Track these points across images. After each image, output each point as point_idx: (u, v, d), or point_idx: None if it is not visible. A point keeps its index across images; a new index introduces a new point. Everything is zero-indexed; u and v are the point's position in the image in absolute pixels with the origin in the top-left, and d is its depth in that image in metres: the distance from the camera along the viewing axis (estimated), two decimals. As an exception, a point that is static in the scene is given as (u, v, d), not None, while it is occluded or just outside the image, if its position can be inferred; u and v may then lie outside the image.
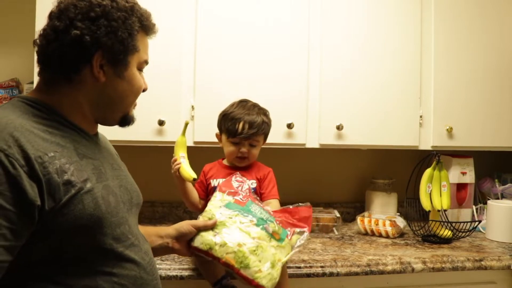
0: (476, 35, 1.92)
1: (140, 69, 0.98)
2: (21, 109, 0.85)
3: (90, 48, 0.87)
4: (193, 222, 1.22)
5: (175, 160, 1.43)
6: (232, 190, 1.32)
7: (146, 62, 1.00)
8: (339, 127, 1.80)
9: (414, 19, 1.87)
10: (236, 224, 1.21)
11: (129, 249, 0.90)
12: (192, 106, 1.73)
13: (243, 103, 1.53)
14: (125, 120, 0.99)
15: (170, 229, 1.20)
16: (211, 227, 1.20)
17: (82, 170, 0.85)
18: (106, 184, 0.90)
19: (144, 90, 1.01)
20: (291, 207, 1.34)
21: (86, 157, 0.89)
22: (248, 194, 1.33)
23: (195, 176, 1.39)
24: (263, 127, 1.50)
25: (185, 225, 1.20)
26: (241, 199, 1.29)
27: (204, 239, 1.18)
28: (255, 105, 1.54)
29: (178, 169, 1.41)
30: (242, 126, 1.46)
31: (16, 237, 0.74)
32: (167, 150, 1.56)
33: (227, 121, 1.50)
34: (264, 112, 1.54)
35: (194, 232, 1.19)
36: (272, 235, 1.22)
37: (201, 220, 1.23)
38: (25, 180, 0.74)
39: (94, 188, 0.85)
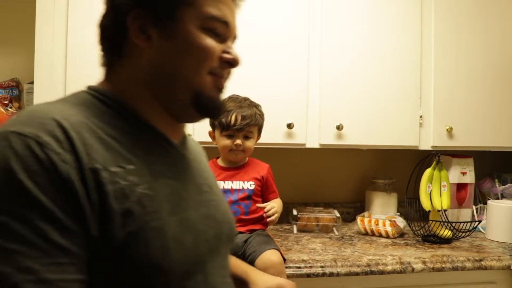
0: (476, 35, 1.92)
1: (207, 28, 0.69)
2: (86, 104, 0.64)
3: (124, 8, 0.67)
4: None
5: None
6: None
7: (219, 20, 0.70)
8: (339, 127, 1.80)
9: (414, 19, 1.87)
10: None
11: None
12: (192, 106, 1.72)
13: (234, 97, 1.53)
14: (200, 102, 0.69)
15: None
16: None
17: (153, 196, 0.61)
18: (185, 216, 0.66)
19: (229, 63, 0.74)
20: None
21: (164, 176, 0.65)
22: None
23: None
24: (256, 118, 1.50)
25: None
26: None
27: None
28: (245, 99, 1.54)
29: None
30: (235, 117, 1.46)
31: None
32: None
33: None
34: (255, 105, 1.54)
35: None
36: None
37: None
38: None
39: (165, 224, 0.60)
